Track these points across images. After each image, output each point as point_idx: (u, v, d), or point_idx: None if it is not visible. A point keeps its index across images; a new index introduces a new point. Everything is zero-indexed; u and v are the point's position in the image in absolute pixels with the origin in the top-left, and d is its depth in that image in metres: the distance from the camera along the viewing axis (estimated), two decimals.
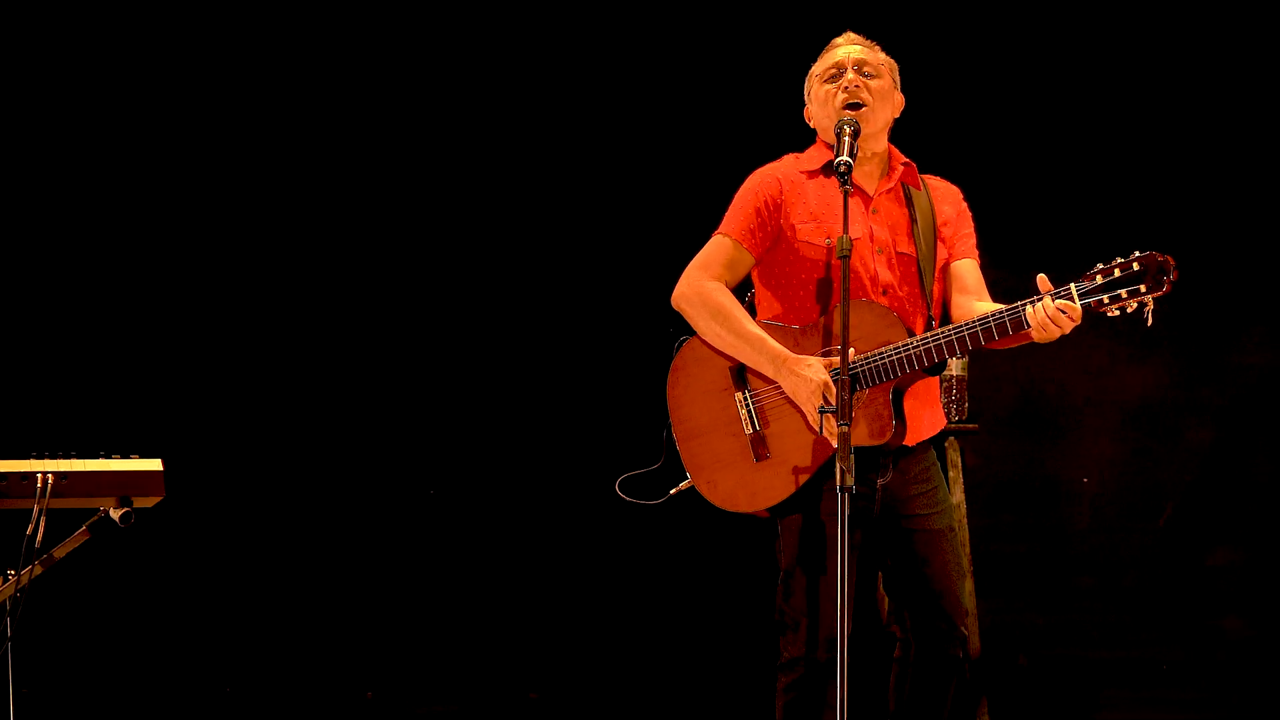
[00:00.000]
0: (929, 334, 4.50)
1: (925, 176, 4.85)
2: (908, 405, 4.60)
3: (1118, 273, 4.36)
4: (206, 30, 7.52)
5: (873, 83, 4.73)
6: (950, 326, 4.51)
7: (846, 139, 4.50)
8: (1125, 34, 7.35)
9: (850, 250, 4.33)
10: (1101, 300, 4.38)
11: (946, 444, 6.37)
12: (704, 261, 4.79)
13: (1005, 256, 5.94)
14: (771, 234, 4.74)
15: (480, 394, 7.60)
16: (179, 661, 7.40)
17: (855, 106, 4.68)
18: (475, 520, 7.56)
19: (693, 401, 4.77)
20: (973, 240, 4.86)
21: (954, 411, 6.31)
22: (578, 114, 7.60)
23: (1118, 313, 4.41)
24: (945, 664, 4.70)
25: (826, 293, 4.66)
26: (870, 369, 4.52)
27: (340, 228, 7.62)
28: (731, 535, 5.74)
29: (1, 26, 7.39)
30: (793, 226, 4.71)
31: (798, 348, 4.63)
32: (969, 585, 6.39)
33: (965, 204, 4.89)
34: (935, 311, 4.74)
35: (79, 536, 4.79)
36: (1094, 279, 4.40)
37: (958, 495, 6.37)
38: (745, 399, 4.69)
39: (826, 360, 4.56)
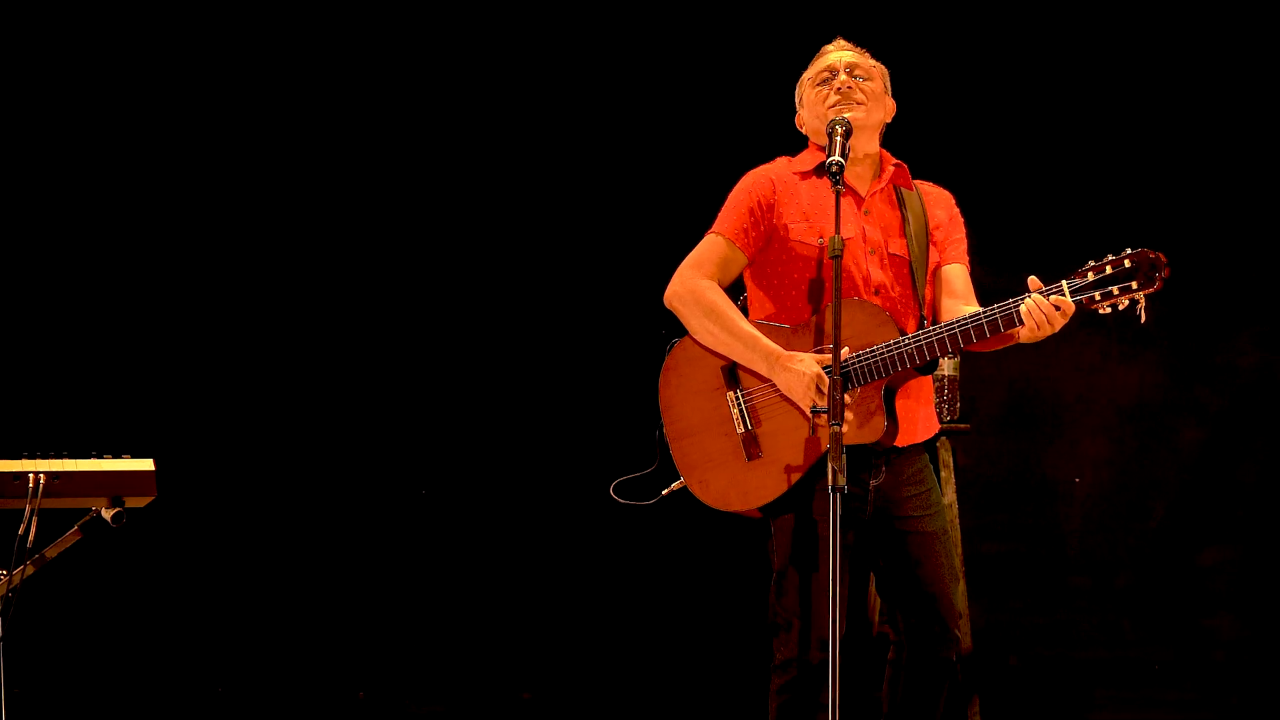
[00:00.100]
0: (921, 332, 4.51)
1: (918, 181, 4.86)
2: (901, 405, 4.61)
3: (1109, 270, 4.37)
4: (201, 29, 7.52)
5: (865, 85, 4.75)
6: (942, 324, 4.52)
7: (839, 139, 4.51)
8: (1113, 38, 7.36)
9: (842, 250, 4.34)
10: (1093, 297, 4.39)
11: (938, 444, 6.37)
12: (697, 260, 4.79)
13: (996, 260, 5.94)
14: (764, 234, 4.74)
15: (472, 393, 7.60)
16: (171, 661, 7.40)
17: (848, 106, 4.70)
18: (467, 520, 7.56)
19: (684, 401, 4.77)
20: (964, 245, 4.87)
21: (946, 411, 6.32)
22: (570, 117, 7.60)
23: (1109, 310, 4.41)
24: (938, 667, 4.70)
25: (819, 292, 4.67)
26: (862, 367, 4.53)
27: (334, 229, 7.61)
28: (724, 536, 5.74)
29: (1, 26, 7.39)
30: (785, 226, 4.71)
31: (790, 347, 4.63)
32: (961, 586, 6.39)
33: (957, 209, 4.90)
34: (927, 314, 4.74)
35: (71, 536, 4.79)
36: (1085, 276, 4.41)
37: (949, 496, 6.37)
38: (737, 398, 4.69)
39: (819, 357, 4.56)
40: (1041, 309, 4.41)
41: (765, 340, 4.63)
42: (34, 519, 4.59)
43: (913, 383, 4.67)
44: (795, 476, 4.59)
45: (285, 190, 7.60)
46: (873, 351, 4.53)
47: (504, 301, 7.60)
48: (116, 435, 5.25)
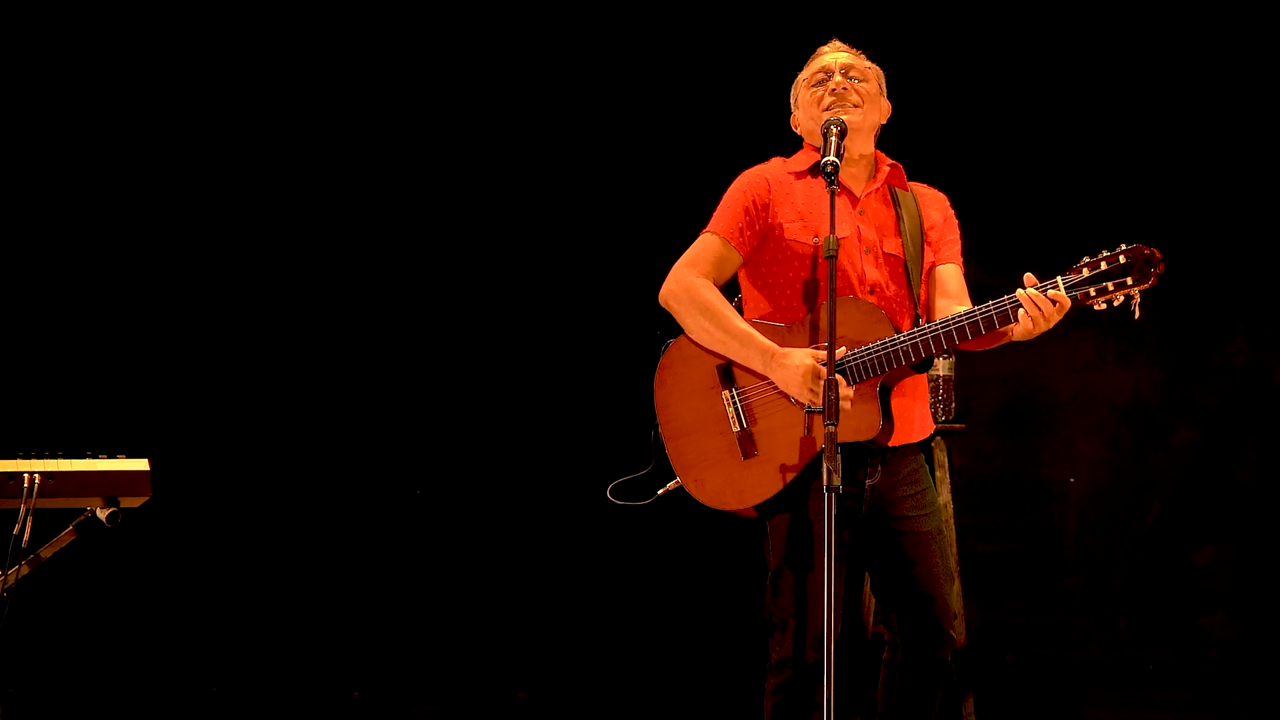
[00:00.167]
0: (916, 329, 4.51)
1: (912, 183, 4.87)
2: (896, 403, 4.61)
3: (1104, 265, 4.38)
4: (199, 29, 7.52)
5: (860, 86, 4.76)
6: (938, 321, 4.52)
7: (833, 139, 4.52)
8: (1108, 39, 7.37)
9: (837, 250, 4.34)
10: (1089, 293, 4.39)
11: (934, 444, 6.37)
12: (692, 259, 4.79)
13: (992, 260, 5.95)
14: (759, 233, 4.74)
15: (466, 393, 7.60)
16: (165, 661, 7.39)
17: (842, 108, 4.70)
18: (462, 520, 7.56)
19: (680, 401, 4.77)
20: (958, 246, 4.88)
21: (941, 412, 6.32)
22: (566, 119, 7.60)
23: (1104, 306, 4.42)
24: (932, 667, 4.70)
25: (814, 291, 4.67)
26: (857, 364, 4.53)
27: (330, 230, 7.62)
28: (720, 536, 5.75)
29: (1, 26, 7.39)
30: (780, 226, 4.71)
31: (785, 345, 4.63)
32: (956, 586, 6.40)
33: (952, 210, 4.91)
34: (921, 313, 4.74)
35: (66, 536, 4.80)
36: (1080, 272, 4.41)
37: (944, 495, 6.37)
38: (732, 397, 4.69)
39: (814, 352, 4.56)
40: (1036, 302, 4.41)
41: (760, 337, 4.63)
42: (29, 519, 4.60)
43: (908, 381, 4.67)
44: (791, 475, 4.59)
45: (279, 191, 7.60)
46: (868, 349, 4.53)
47: (498, 301, 7.61)
48: (111, 435, 5.26)
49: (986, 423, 7.38)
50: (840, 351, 4.50)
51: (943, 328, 4.49)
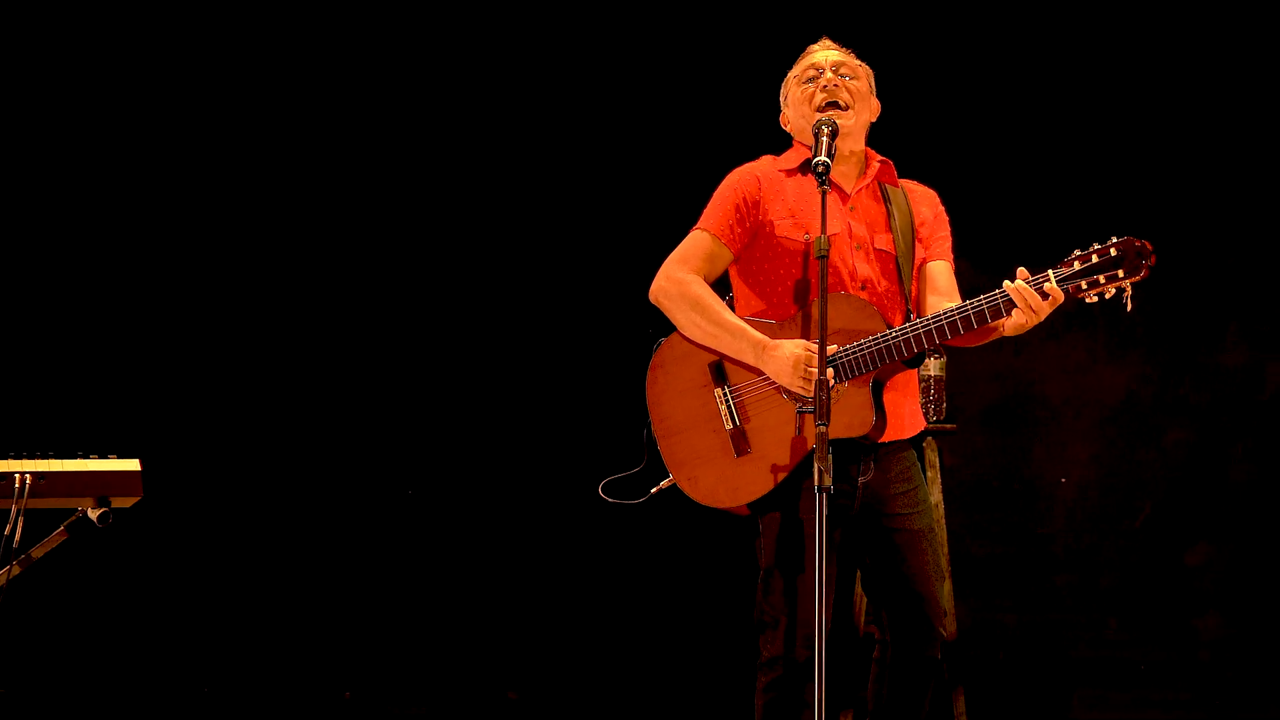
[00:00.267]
0: (908, 324, 4.52)
1: (903, 180, 4.87)
2: (888, 398, 4.62)
3: (1095, 258, 4.39)
4: (195, 29, 7.52)
5: (851, 83, 4.77)
6: (929, 316, 4.52)
7: (824, 139, 4.52)
8: (1097, 37, 7.37)
9: (828, 250, 4.35)
10: (1080, 286, 4.40)
11: (924, 444, 6.37)
12: (682, 256, 4.80)
13: (984, 258, 5.95)
14: (750, 230, 4.75)
15: (458, 393, 7.60)
16: (157, 661, 7.39)
17: (834, 105, 4.71)
18: (453, 519, 7.55)
19: (672, 399, 4.77)
20: (949, 243, 4.89)
21: (932, 412, 6.32)
22: (557, 118, 7.60)
23: (1096, 299, 4.43)
24: (923, 665, 4.71)
25: (805, 289, 4.68)
26: (850, 360, 4.53)
27: (321, 229, 7.61)
28: (711, 534, 5.74)
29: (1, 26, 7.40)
30: (771, 223, 4.72)
31: None
32: (947, 586, 6.40)
33: (942, 207, 4.92)
34: (913, 309, 4.75)
35: (57, 537, 4.78)
36: (1072, 265, 4.42)
37: (936, 496, 6.37)
38: (725, 394, 4.70)
39: (807, 343, 4.56)
40: (1025, 295, 4.41)
41: (751, 330, 4.64)
42: (20, 519, 4.58)
43: (899, 377, 4.68)
44: (783, 474, 4.60)
45: (270, 191, 7.60)
46: (860, 345, 4.53)
47: (490, 300, 7.60)
48: (102, 435, 5.25)
49: (978, 422, 7.39)
50: (831, 349, 4.50)
51: (934, 322, 4.50)
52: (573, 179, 7.57)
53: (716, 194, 4.82)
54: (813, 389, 4.38)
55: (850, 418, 4.56)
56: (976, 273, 5.06)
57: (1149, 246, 4.36)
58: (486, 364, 7.58)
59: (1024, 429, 7.44)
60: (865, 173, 4.81)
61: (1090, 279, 4.39)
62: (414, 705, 7.48)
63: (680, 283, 4.75)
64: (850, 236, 4.71)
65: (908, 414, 4.76)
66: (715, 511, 4.75)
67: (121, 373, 7.42)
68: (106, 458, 4.73)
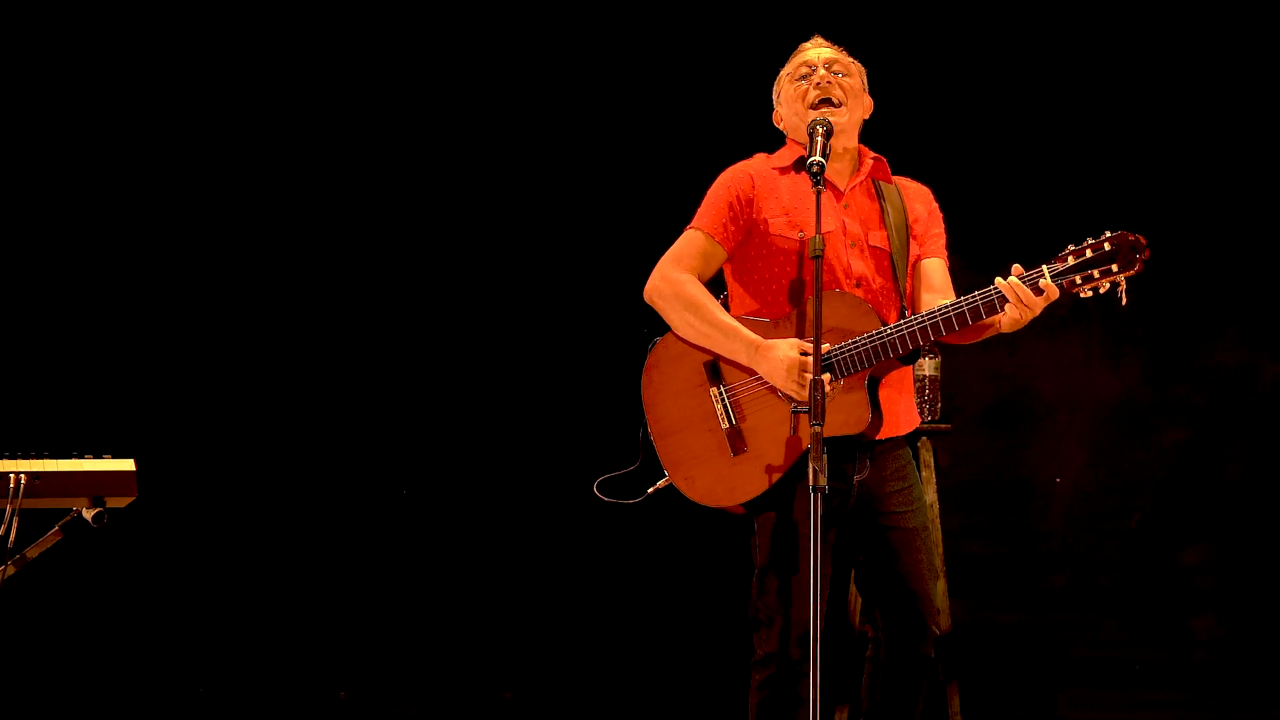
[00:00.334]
0: (903, 321, 4.52)
1: (896, 177, 4.88)
2: (883, 395, 4.62)
3: (1089, 253, 4.40)
4: (190, 28, 7.52)
5: (844, 80, 4.77)
6: (924, 312, 4.52)
7: (819, 139, 4.53)
8: (1093, 35, 7.37)
9: (823, 250, 4.35)
10: (1074, 280, 4.41)
11: (919, 444, 6.37)
12: (676, 255, 4.80)
13: (977, 257, 5.95)
14: (744, 229, 4.75)
15: (452, 393, 7.59)
16: (152, 662, 7.38)
17: (827, 102, 4.71)
18: (448, 520, 7.55)
19: (668, 399, 4.77)
20: (943, 240, 4.89)
21: (927, 411, 6.32)
22: (551, 118, 7.60)
23: (1090, 293, 4.43)
24: (916, 663, 4.71)
25: (799, 287, 4.68)
26: (845, 358, 4.54)
27: (316, 230, 7.61)
28: (705, 533, 5.74)
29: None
30: (765, 221, 4.72)
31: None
32: (941, 584, 6.40)
33: (936, 204, 4.93)
34: (907, 305, 4.75)
35: (52, 536, 4.79)
36: (1066, 260, 4.43)
37: (930, 495, 6.37)
38: (720, 394, 4.70)
39: (801, 344, 4.56)
40: (1018, 291, 4.42)
41: (745, 330, 4.65)
42: (14, 519, 4.59)
43: (894, 374, 4.69)
44: (780, 472, 4.60)
45: (263, 191, 7.60)
46: (855, 342, 4.53)
47: (484, 299, 7.60)
48: (97, 435, 5.25)
49: (973, 422, 7.38)
50: (826, 347, 4.51)
51: (929, 319, 4.50)
52: (567, 179, 7.57)
53: (710, 192, 4.83)
54: (806, 394, 4.39)
55: (846, 415, 4.56)
56: (970, 270, 5.05)
57: (1143, 240, 4.37)
58: (481, 363, 7.58)
59: (1020, 428, 7.44)
60: (859, 170, 4.81)
61: (1084, 273, 4.40)
62: (408, 705, 7.48)
63: (674, 283, 4.75)
64: (844, 234, 4.71)
65: (903, 411, 4.76)
66: (710, 510, 4.75)
67: (116, 373, 7.42)
68: (101, 458, 4.73)
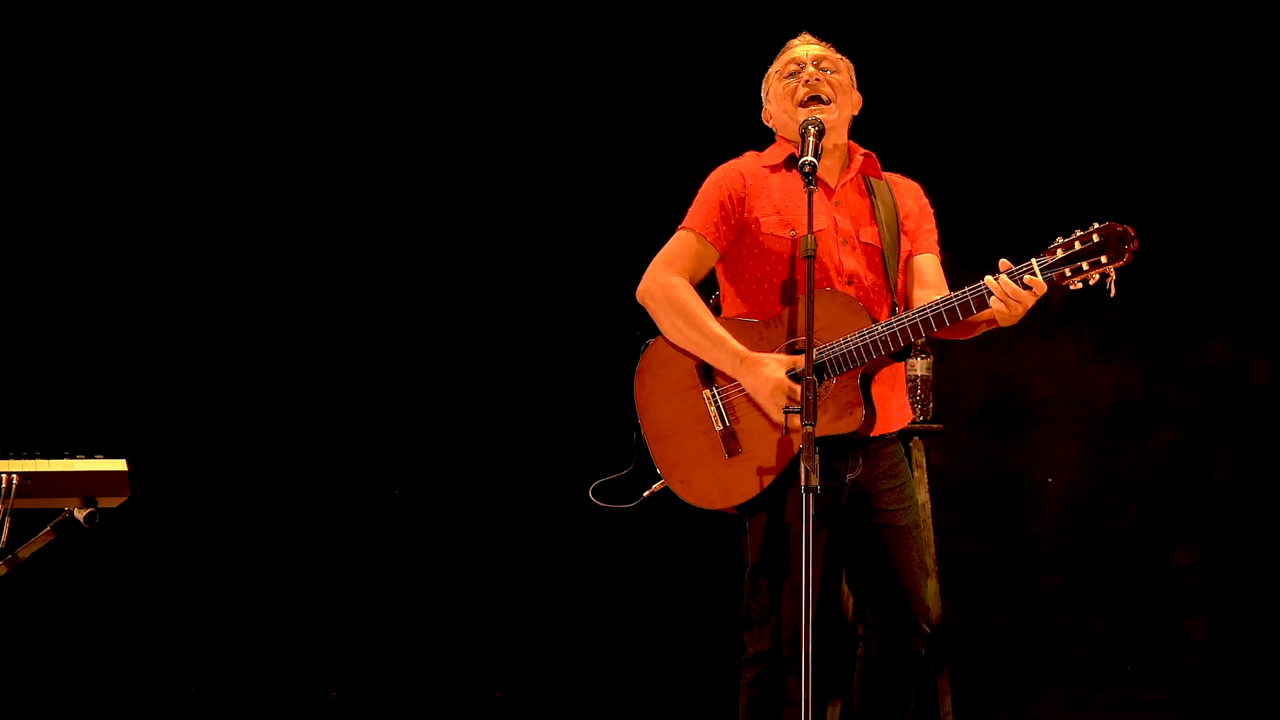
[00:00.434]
0: (894, 318, 4.52)
1: (886, 173, 4.87)
2: (875, 391, 4.63)
3: (1078, 245, 4.41)
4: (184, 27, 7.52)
5: (832, 78, 4.77)
6: (915, 309, 4.53)
7: (811, 139, 4.53)
8: (1083, 34, 7.37)
9: (815, 249, 4.35)
10: (1064, 273, 4.42)
11: (911, 444, 6.37)
12: (668, 257, 4.80)
13: (968, 258, 5.95)
14: (735, 228, 4.75)
15: (445, 393, 7.59)
16: (143, 661, 7.37)
17: (816, 99, 4.71)
18: (440, 520, 7.55)
19: (661, 402, 4.77)
20: (934, 236, 4.89)
21: (919, 411, 6.32)
22: (543, 120, 7.60)
23: (1080, 285, 4.44)
24: (907, 660, 4.71)
25: (791, 286, 4.68)
26: (837, 356, 4.54)
27: (310, 231, 7.61)
28: (696, 531, 5.74)
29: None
30: (756, 220, 4.72)
31: (763, 341, 4.64)
32: (933, 584, 6.40)
33: (926, 199, 4.93)
34: (899, 303, 4.75)
35: (43, 537, 4.78)
36: (1055, 253, 4.44)
37: (923, 495, 6.37)
38: (714, 396, 4.70)
39: (790, 358, 4.56)
40: (1002, 286, 4.42)
41: (733, 341, 4.64)
42: (6, 519, 4.58)
43: (885, 370, 4.69)
44: (775, 473, 4.59)
45: (256, 191, 7.59)
46: (846, 340, 4.53)
47: (475, 300, 7.59)
48: (89, 435, 5.24)
49: (965, 422, 7.39)
50: (817, 346, 4.51)
51: (919, 316, 4.50)
52: (558, 180, 7.57)
53: (701, 192, 4.82)
54: (783, 417, 4.47)
55: (839, 414, 4.56)
56: (959, 265, 5.05)
57: (1131, 231, 4.39)
58: (473, 364, 7.58)
59: (1011, 429, 7.44)
60: (849, 166, 4.81)
61: (1074, 266, 4.41)
62: (400, 705, 7.47)
63: (666, 286, 4.75)
64: (836, 231, 4.71)
65: (895, 407, 4.76)
66: (701, 510, 4.74)
67: (108, 373, 7.41)
68: (93, 458, 4.73)
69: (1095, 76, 7.36)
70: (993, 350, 7.32)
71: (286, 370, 7.57)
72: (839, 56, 4.86)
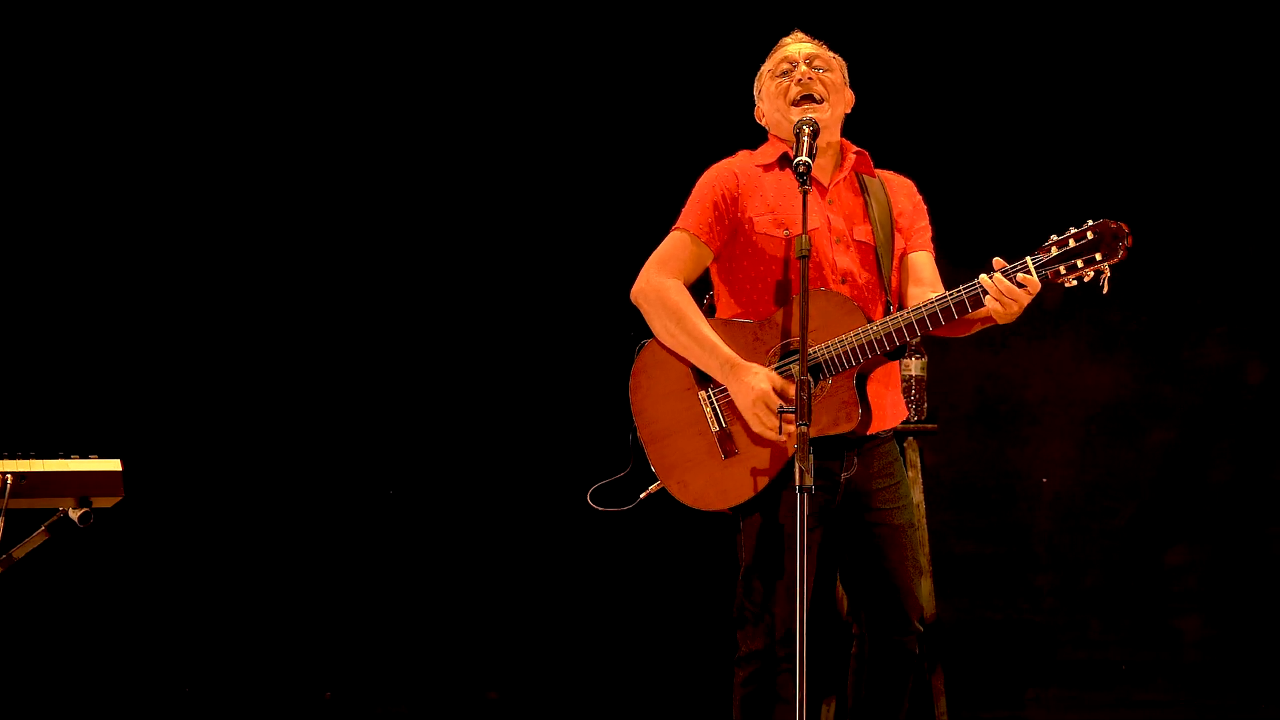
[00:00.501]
0: (889, 317, 4.52)
1: (879, 170, 4.87)
2: (871, 390, 4.62)
3: (1072, 243, 4.42)
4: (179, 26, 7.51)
5: (825, 76, 4.76)
6: (910, 308, 4.53)
7: (806, 139, 4.52)
8: (1077, 34, 7.37)
9: (809, 250, 4.34)
10: (1058, 271, 4.42)
11: (906, 444, 6.37)
12: (662, 258, 4.79)
13: (959, 254, 5.96)
14: (729, 228, 4.74)
15: (438, 392, 7.59)
16: (138, 661, 7.37)
17: (809, 99, 4.70)
18: (434, 519, 7.54)
19: (656, 404, 4.76)
20: (929, 233, 4.89)
21: (913, 411, 6.32)
22: (536, 121, 7.59)
23: (1075, 283, 4.44)
24: (901, 658, 4.71)
25: (785, 286, 4.68)
26: (832, 356, 4.53)
27: (305, 230, 7.60)
28: (690, 530, 5.74)
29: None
30: (750, 220, 4.72)
31: (757, 342, 4.64)
32: (928, 584, 6.40)
33: (920, 196, 4.93)
34: (893, 300, 4.75)
35: (38, 537, 4.77)
36: (1049, 251, 4.44)
37: (917, 495, 6.37)
38: (709, 397, 4.69)
39: (775, 378, 4.56)
40: (996, 285, 4.42)
41: (723, 347, 4.64)
42: (0, 520, 4.57)
43: (881, 369, 4.69)
44: (772, 474, 4.59)
45: (250, 191, 7.58)
46: (842, 340, 4.53)
47: (468, 300, 7.59)
48: (83, 435, 5.23)
49: (959, 422, 7.39)
50: (812, 347, 4.51)
51: (915, 315, 4.50)
52: (552, 181, 7.56)
53: (694, 192, 4.82)
54: (763, 429, 4.48)
55: (836, 414, 4.56)
56: (952, 264, 5.05)
57: (1125, 228, 4.39)
58: (467, 364, 7.57)
59: (1006, 429, 7.45)
60: (842, 165, 4.80)
61: (1069, 263, 4.41)
62: (394, 705, 7.47)
63: (659, 288, 4.74)
64: (829, 230, 4.71)
65: (890, 404, 4.76)
66: (696, 510, 4.74)
67: (103, 373, 7.40)
68: (87, 458, 4.72)
69: (1091, 74, 7.37)
70: (988, 349, 7.32)
71: (281, 370, 7.56)
72: (831, 54, 4.85)
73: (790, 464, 4.53)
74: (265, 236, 7.57)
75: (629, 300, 4.81)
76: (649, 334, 4.80)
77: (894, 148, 5.13)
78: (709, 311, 4.81)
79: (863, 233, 4.74)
